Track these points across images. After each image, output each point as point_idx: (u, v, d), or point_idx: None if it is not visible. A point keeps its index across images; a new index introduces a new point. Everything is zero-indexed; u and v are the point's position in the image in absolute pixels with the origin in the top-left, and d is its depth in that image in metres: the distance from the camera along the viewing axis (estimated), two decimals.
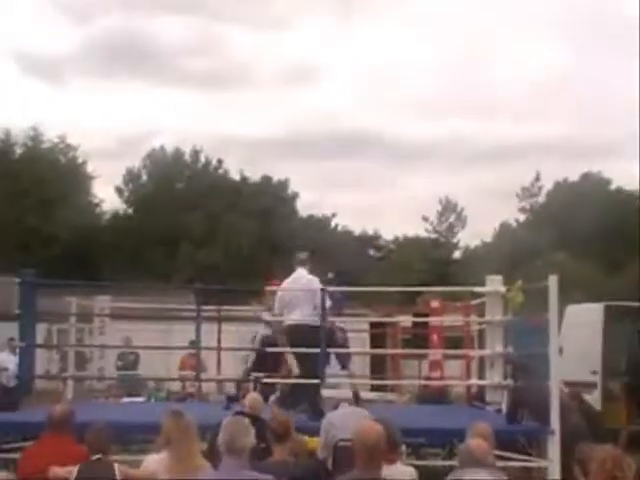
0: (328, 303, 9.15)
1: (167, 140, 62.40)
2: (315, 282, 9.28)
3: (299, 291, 9.18)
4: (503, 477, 5.09)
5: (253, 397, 7.94)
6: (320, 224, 47.28)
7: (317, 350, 8.79)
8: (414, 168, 70.51)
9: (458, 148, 65.96)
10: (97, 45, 62.58)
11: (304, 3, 68.46)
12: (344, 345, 10.06)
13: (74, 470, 5.65)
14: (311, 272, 9.31)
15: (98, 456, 5.73)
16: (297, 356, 9.31)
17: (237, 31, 70.23)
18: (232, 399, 10.00)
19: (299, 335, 9.07)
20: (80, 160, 43.73)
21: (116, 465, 5.76)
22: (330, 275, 10.46)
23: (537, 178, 47.63)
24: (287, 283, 9.44)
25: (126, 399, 11.40)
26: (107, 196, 45.58)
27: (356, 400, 9.67)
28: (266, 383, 10.27)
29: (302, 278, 9.30)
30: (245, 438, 4.82)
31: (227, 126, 71.65)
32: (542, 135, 65.85)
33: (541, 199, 47.87)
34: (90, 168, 44.08)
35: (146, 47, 64.65)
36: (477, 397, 11.34)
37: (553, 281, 8.51)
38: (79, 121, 62.78)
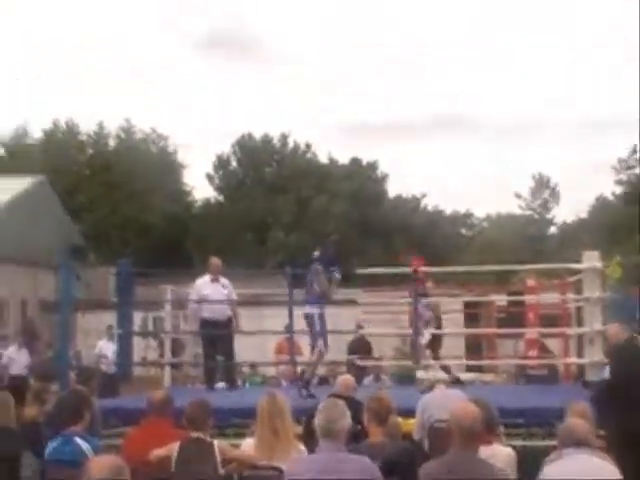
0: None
1: (257, 125, 63.03)
2: None
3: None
4: (605, 458, 4.95)
5: (346, 378, 7.86)
6: (410, 205, 46.94)
7: None
8: (506, 145, 69.60)
9: (551, 123, 64.79)
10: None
11: None
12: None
13: (175, 448, 5.72)
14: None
15: (198, 435, 5.78)
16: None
17: None
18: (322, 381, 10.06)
19: None
20: (171, 149, 44.58)
21: (216, 443, 5.81)
22: (315, 255, 10.11)
23: (634, 150, 46.20)
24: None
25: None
26: (198, 184, 46.38)
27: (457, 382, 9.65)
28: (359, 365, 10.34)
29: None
30: (342, 421, 4.79)
31: (317, 110, 71.57)
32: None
33: (638, 171, 46.45)
34: (180, 157, 44.95)
35: (231, 31, 65.12)
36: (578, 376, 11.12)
37: None
38: (172, 110, 64.01)
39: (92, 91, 63.10)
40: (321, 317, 9.80)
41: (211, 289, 10.99)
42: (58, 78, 66.07)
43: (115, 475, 3.89)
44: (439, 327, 11.16)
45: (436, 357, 10.94)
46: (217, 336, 11.01)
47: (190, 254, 37.94)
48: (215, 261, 11.27)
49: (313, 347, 9.90)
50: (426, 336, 10.70)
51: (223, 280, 11.18)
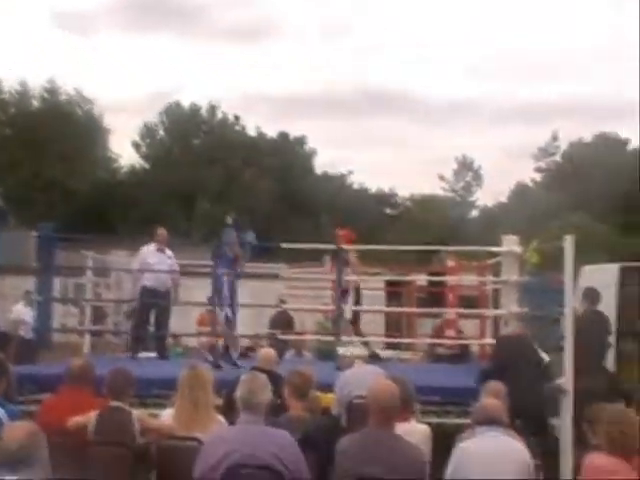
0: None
1: (187, 95, 62.30)
2: None
3: None
4: (515, 436, 5.12)
5: (267, 352, 7.81)
6: (336, 182, 47.09)
7: None
8: (432, 127, 70.29)
9: (477, 109, 65.63)
10: None
11: None
12: None
13: (93, 416, 5.72)
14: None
15: (117, 404, 5.79)
16: None
17: None
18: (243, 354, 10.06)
19: None
20: (97, 113, 43.67)
21: (134, 413, 5.83)
22: (229, 220, 10.10)
23: (554, 138, 47.19)
24: None
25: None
26: (124, 151, 45.62)
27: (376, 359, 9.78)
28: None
29: None
30: (263, 394, 4.85)
31: (248, 82, 71.18)
32: (561, 96, 65.39)
33: (558, 159, 47.47)
34: (107, 122, 44.10)
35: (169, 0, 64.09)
36: None
37: (569, 242, 8.48)
38: (99, 74, 62.86)
39: (15, 50, 61.46)
40: (231, 283, 9.67)
41: (157, 258, 11.13)
42: None
43: (31, 441, 3.89)
44: (358, 301, 11.21)
45: (357, 331, 11.02)
46: (155, 305, 11.07)
47: (115, 221, 37.37)
48: (162, 231, 11.39)
49: (226, 316, 9.76)
50: (346, 309, 10.78)
51: (168, 251, 11.32)
